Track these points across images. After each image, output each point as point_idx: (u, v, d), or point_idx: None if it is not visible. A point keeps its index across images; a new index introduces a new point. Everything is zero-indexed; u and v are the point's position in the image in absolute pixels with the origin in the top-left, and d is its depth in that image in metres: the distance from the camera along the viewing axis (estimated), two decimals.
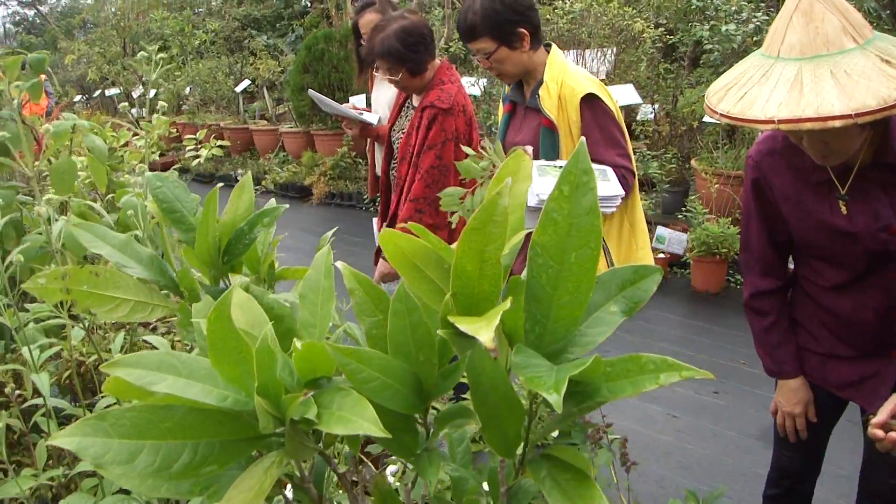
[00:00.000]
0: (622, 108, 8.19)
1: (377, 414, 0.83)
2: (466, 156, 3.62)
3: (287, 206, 1.53)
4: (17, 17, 29.86)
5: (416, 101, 3.89)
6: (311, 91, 5.52)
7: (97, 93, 18.63)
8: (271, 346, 0.89)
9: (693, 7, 8.02)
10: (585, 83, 2.90)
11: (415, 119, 3.70)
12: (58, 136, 3.14)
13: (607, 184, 2.69)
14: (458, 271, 0.81)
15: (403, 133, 3.81)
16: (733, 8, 7.62)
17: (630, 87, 8.35)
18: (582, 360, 0.77)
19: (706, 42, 7.62)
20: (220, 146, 4.28)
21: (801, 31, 1.71)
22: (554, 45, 3.07)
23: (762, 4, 7.93)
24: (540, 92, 2.96)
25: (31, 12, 29.12)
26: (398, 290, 0.86)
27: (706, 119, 7.23)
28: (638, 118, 8.53)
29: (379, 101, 4.72)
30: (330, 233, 1.56)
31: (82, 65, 18.24)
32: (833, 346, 2.28)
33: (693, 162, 7.57)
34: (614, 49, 9.18)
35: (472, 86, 9.66)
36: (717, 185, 6.80)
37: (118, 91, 17.36)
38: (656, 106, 8.52)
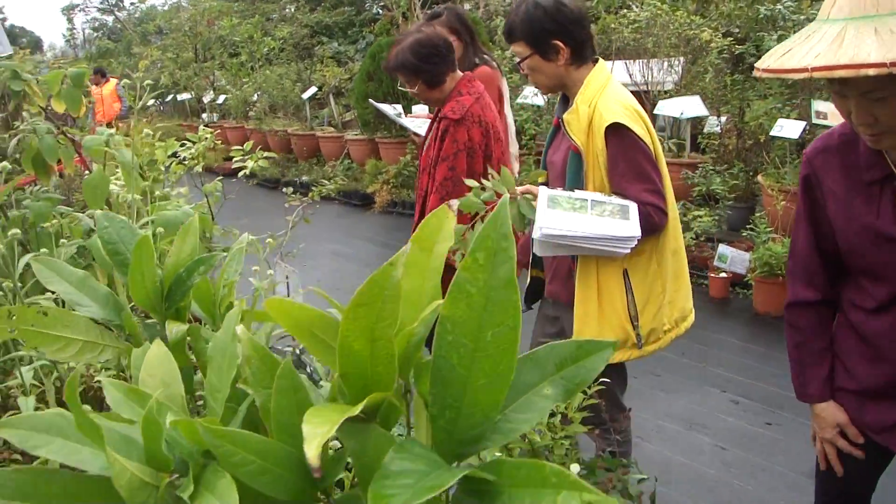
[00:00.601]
0: (688, 119, 8.08)
1: (259, 499, 0.73)
2: (483, 167, 3.53)
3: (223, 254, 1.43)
4: (97, 23, 30.57)
5: None
6: (371, 101, 5.53)
7: (169, 97, 18.93)
8: (157, 418, 0.79)
9: (761, 16, 7.77)
10: (615, 110, 2.71)
11: (435, 132, 3.73)
12: (91, 150, 3.11)
13: (624, 223, 2.55)
14: (344, 350, 0.70)
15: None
16: (802, 17, 7.36)
17: (696, 99, 8.13)
18: (450, 472, 0.64)
19: None
20: (267, 157, 4.25)
21: None
22: (600, 63, 2.91)
23: None
24: (566, 116, 2.82)
25: (109, 18, 29.79)
26: (283, 365, 0.75)
27: (774, 133, 6.96)
28: (704, 130, 8.29)
29: None
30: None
31: (155, 70, 18.53)
32: (870, 382, 2.13)
33: (760, 177, 7.31)
34: (681, 59, 8.95)
35: (536, 95, 9.51)
36: (783, 203, 6.52)
37: (190, 96, 17.61)
38: (723, 118, 8.26)
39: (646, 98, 9.31)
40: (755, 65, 1.86)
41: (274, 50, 16.00)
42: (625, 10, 9.96)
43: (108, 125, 5.55)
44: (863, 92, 1.73)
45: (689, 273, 3.05)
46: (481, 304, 0.69)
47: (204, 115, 17.35)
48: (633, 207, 2.61)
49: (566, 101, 2.99)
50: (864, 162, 1.96)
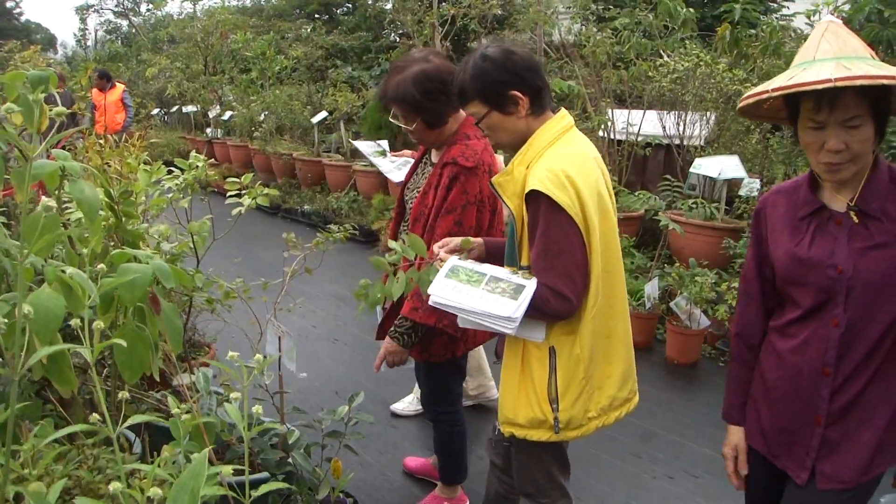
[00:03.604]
0: (726, 181, 7.47)
1: None
2: (488, 223, 3.13)
3: None
4: (111, 26, 30.14)
5: (434, 156, 3.43)
6: (353, 142, 5.07)
7: (175, 108, 18.39)
8: None
9: None
10: (542, 175, 2.45)
11: (433, 177, 3.25)
12: (44, 178, 2.43)
13: (509, 303, 2.41)
14: None
15: (418, 192, 3.34)
16: None
17: (735, 159, 7.54)
18: None
19: None
20: (267, 195, 3.62)
21: (833, 42, 2.07)
22: (557, 117, 2.66)
23: None
24: (496, 179, 2.61)
25: (123, 22, 29.38)
26: None
27: None
28: (741, 193, 7.67)
29: None
30: None
31: (163, 79, 18.01)
32: (773, 401, 2.38)
33: None
34: (712, 113, 8.39)
35: None
36: None
37: (195, 109, 17.05)
38: (763, 181, 7.66)
39: (678, 152, 8.76)
40: (748, 94, 2.16)
41: (286, 69, 15.43)
42: (656, 59, 9.42)
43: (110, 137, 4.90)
44: (844, 119, 2.03)
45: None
46: None
47: (208, 130, 16.79)
48: (529, 288, 2.44)
49: None
50: (801, 201, 2.30)
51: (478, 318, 2.45)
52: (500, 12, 12.19)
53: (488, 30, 12.75)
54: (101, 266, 1.96)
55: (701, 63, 8.33)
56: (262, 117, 14.29)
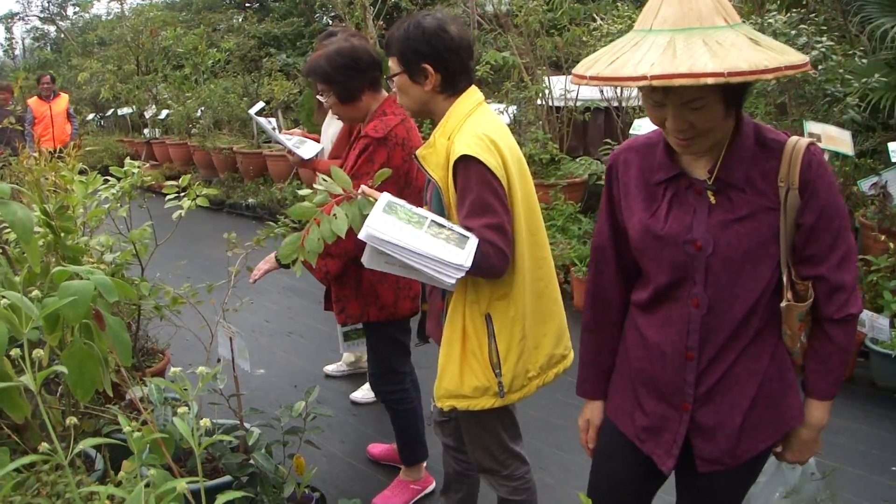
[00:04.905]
0: None
1: None
2: (399, 196, 3.04)
3: None
4: (38, 33, 29.50)
5: None
6: (252, 114, 5.26)
7: (110, 112, 18.10)
8: None
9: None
10: (468, 142, 2.54)
11: (350, 152, 3.45)
12: None
13: (457, 251, 2.38)
14: None
15: None
16: (792, 32, 6.85)
17: None
18: None
19: None
20: (206, 195, 3.60)
21: (675, 6, 1.77)
22: (468, 92, 2.75)
23: (824, 28, 7.15)
24: (420, 151, 2.69)
25: (51, 28, 28.77)
26: None
27: None
28: None
29: (327, 133, 4.74)
30: None
31: (95, 83, 17.69)
32: (640, 382, 2.24)
33: None
34: None
35: (501, 113, 8.93)
36: None
37: (131, 110, 16.80)
38: None
39: (618, 114, 8.81)
40: (574, 73, 1.85)
41: (220, 62, 15.22)
42: (589, 22, 9.45)
43: (59, 151, 4.75)
44: (684, 101, 1.81)
45: None
46: None
47: (146, 131, 16.55)
48: (473, 240, 2.46)
49: None
50: (657, 164, 2.08)
51: (421, 262, 2.35)
52: None
53: (420, 6, 12.69)
54: (36, 292, 1.94)
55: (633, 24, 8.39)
56: (198, 113, 14.10)
